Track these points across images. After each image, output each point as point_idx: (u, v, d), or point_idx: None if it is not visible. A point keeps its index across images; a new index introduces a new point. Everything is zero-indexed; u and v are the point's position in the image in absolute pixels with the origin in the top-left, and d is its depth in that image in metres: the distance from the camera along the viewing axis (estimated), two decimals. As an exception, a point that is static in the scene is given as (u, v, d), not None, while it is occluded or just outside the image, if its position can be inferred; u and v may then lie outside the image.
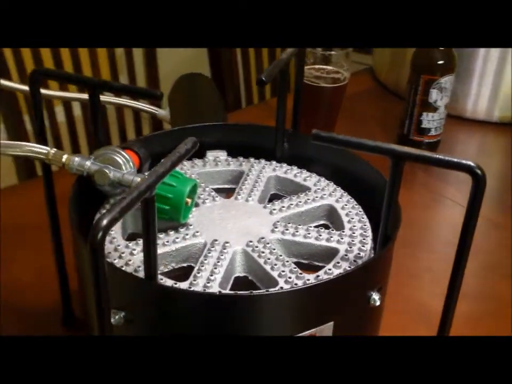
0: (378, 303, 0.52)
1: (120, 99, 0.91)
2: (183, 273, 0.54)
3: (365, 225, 0.58)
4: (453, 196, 0.96)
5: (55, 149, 0.58)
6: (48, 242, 0.67)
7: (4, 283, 0.76)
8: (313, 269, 0.55)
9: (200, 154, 0.67)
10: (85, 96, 0.61)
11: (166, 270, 0.55)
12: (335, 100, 0.94)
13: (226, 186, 0.66)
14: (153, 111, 0.90)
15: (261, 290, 0.52)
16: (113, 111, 1.34)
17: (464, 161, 0.47)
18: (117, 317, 0.49)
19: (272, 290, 0.49)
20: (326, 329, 0.50)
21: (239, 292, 0.50)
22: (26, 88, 0.72)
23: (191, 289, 0.50)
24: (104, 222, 0.40)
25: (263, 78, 0.59)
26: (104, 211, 0.44)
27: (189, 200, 0.56)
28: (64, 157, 0.58)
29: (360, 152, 0.52)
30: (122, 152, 0.58)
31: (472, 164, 0.47)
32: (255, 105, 1.43)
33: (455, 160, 0.48)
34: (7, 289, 0.75)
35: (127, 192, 0.43)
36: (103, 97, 0.85)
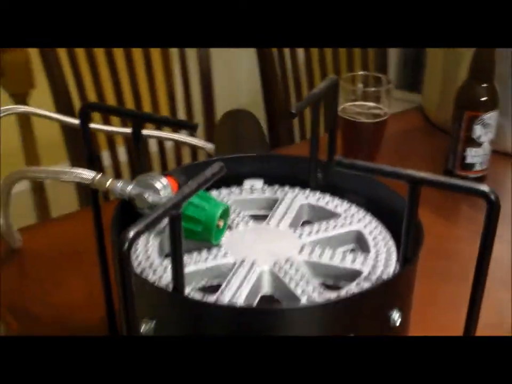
0: (398, 323, 0.53)
1: (171, 134, 0.96)
2: (213, 291, 0.58)
3: (390, 248, 0.60)
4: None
5: (100, 175, 0.63)
6: (97, 266, 0.72)
7: (56, 304, 0.81)
8: (337, 290, 0.58)
9: (238, 183, 0.71)
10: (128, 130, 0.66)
11: (198, 286, 0.58)
12: (376, 135, 0.96)
13: (260, 213, 0.69)
14: (201, 145, 0.95)
15: (280, 306, 0.55)
16: (155, 144, 1.40)
17: (478, 187, 0.49)
18: (147, 326, 0.52)
19: (290, 306, 0.52)
20: (345, 346, 0.52)
21: (258, 306, 0.53)
22: (74, 121, 0.78)
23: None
24: (131, 234, 0.44)
25: (293, 111, 0.62)
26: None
27: (221, 223, 0.60)
28: (108, 182, 0.63)
29: (386, 180, 0.55)
30: (162, 178, 0.62)
31: (485, 189, 0.49)
32: (307, 139, 1.47)
33: (470, 185, 0.50)
34: (59, 310, 0.80)
35: (154, 209, 0.47)
36: (156, 133, 0.91)
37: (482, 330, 0.77)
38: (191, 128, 0.59)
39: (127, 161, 1.40)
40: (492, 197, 0.48)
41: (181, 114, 1.73)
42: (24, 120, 1.55)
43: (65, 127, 1.32)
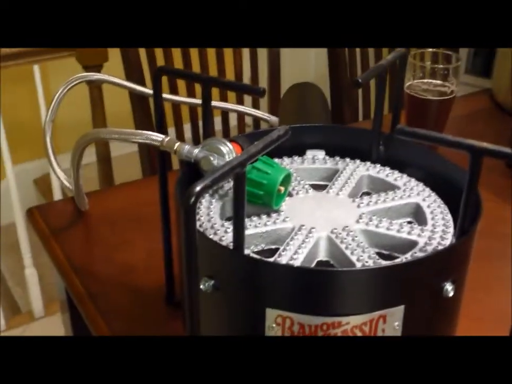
0: (451, 294, 0.54)
1: (237, 106, 0.98)
2: (271, 255, 0.59)
3: (447, 222, 0.60)
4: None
5: (169, 137, 0.66)
6: (159, 231, 0.75)
7: (118, 264, 0.85)
8: (393, 259, 0.59)
9: (300, 153, 0.72)
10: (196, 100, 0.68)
11: (256, 249, 0.60)
12: (441, 113, 0.95)
13: (321, 182, 0.70)
14: (266, 117, 0.97)
15: (335, 268, 0.56)
16: (219, 122, 1.42)
17: (541, 159, 0.49)
18: (206, 284, 0.54)
19: (346, 268, 0.53)
20: (397, 313, 0.53)
21: (317, 267, 0.54)
22: (145, 90, 0.81)
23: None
24: (197, 188, 0.46)
25: (359, 80, 0.63)
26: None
27: (282, 188, 0.62)
28: (176, 145, 0.65)
29: (446, 150, 0.55)
30: (228, 143, 0.64)
31: (549, 162, 0.48)
32: (371, 119, 1.47)
33: (532, 157, 0.50)
34: (121, 270, 0.84)
35: (221, 166, 0.49)
36: (223, 105, 0.93)
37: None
38: (257, 93, 0.61)
39: (192, 139, 1.43)
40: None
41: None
42: (96, 92, 1.60)
43: (134, 99, 1.36)
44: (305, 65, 2.63)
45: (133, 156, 1.62)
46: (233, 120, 1.47)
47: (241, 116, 1.47)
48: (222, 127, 1.46)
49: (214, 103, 0.87)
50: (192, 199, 0.45)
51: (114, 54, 1.39)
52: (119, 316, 0.77)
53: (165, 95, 0.82)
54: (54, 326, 1.73)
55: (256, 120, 1.44)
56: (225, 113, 1.45)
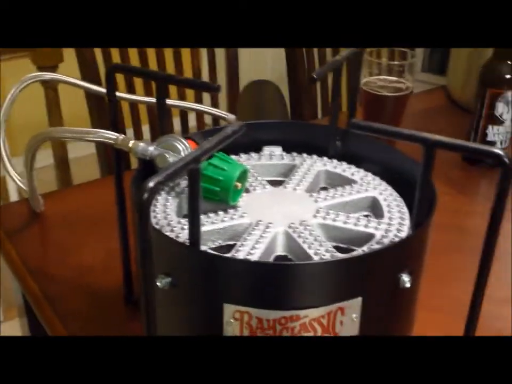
0: (408, 285, 0.54)
1: (196, 105, 0.98)
2: (229, 251, 0.59)
3: (403, 215, 0.61)
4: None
5: (123, 136, 0.65)
6: (116, 230, 0.74)
7: (75, 266, 0.83)
8: (351, 253, 0.59)
9: (258, 150, 0.72)
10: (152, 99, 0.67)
11: (214, 246, 0.59)
12: (397, 108, 0.96)
13: (279, 178, 0.70)
14: (223, 115, 0.96)
15: (291, 262, 0.56)
16: (178, 123, 1.42)
17: (491, 149, 0.49)
18: (163, 281, 0.54)
19: (302, 262, 0.53)
20: (355, 305, 0.53)
21: (273, 261, 0.54)
22: (100, 89, 0.80)
23: (231, 259, 0.54)
24: (151, 184, 0.45)
25: (315, 76, 0.63)
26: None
27: (239, 184, 0.61)
28: (131, 142, 0.64)
29: (404, 146, 0.55)
30: (183, 140, 0.64)
31: (500, 152, 0.49)
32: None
33: (483, 148, 0.51)
34: (78, 271, 0.82)
35: (175, 162, 0.48)
36: (178, 103, 0.92)
37: (494, 303, 0.78)
38: (213, 90, 0.60)
39: (151, 140, 1.42)
40: (505, 159, 0.48)
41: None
42: (51, 94, 1.57)
43: (90, 101, 1.34)
44: (263, 64, 2.63)
45: (91, 157, 1.60)
46: (192, 121, 1.46)
47: (200, 116, 1.47)
48: (181, 127, 1.45)
49: (170, 101, 0.87)
50: (146, 195, 0.45)
51: (70, 54, 1.37)
52: (77, 318, 0.76)
53: (119, 94, 0.82)
54: (13, 331, 1.70)
55: (215, 119, 1.44)
56: (184, 114, 1.44)
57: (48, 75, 0.92)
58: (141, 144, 0.63)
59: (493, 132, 1.01)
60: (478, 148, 0.51)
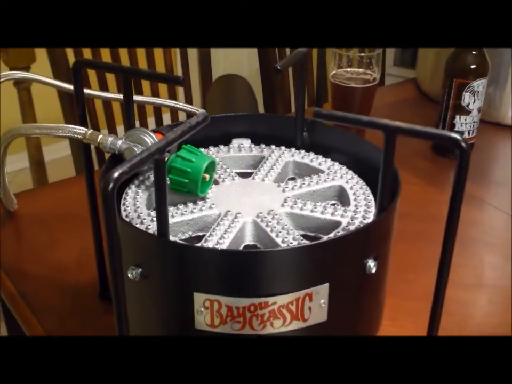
0: (373, 270, 0.55)
1: (163, 100, 0.98)
2: (199, 242, 0.60)
3: (369, 202, 0.62)
4: (483, 196, 0.99)
5: (92, 130, 0.65)
6: (90, 227, 0.74)
7: (50, 264, 0.84)
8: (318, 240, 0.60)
9: (226, 142, 0.73)
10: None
11: (184, 237, 0.60)
12: (365, 100, 0.98)
13: (248, 170, 0.71)
14: (194, 110, 0.97)
15: (258, 249, 0.57)
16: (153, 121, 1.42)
17: (449, 134, 0.51)
18: (134, 272, 0.54)
19: (269, 249, 0.54)
20: (322, 291, 0.54)
21: (239, 249, 0.55)
22: (70, 86, 0.80)
23: (200, 249, 0.55)
24: (115, 174, 0.46)
25: (278, 67, 0.64)
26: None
27: (207, 176, 0.62)
28: (99, 137, 0.65)
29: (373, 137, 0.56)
30: (151, 134, 0.65)
31: (458, 136, 0.50)
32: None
33: (441, 133, 0.52)
34: (52, 269, 0.83)
35: (139, 152, 0.49)
36: (146, 99, 0.93)
37: (460, 288, 0.79)
38: (175, 81, 0.61)
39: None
40: (462, 143, 0.49)
41: (180, 90, 1.75)
42: (24, 95, 1.57)
43: (63, 101, 1.34)
44: (238, 59, 2.64)
45: (68, 159, 1.60)
46: (167, 120, 1.47)
47: (174, 114, 1.47)
48: (155, 126, 1.45)
49: (140, 97, 0.87)
50: (111, 185, 0.45)
51: (42, 55, 1.37)
52: (53, 315, 0.76)
53: (88, 91, 0.82)
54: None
55: (190, 116, 1.44)
56: (158, 113, 1.44)
57: (19, 74, 0.92)
58: (110, 138, 0.64)
59: (461, 122, 1.03)
60: (436, 133, 0.52)
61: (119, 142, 0.64)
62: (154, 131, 0.66)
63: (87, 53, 1.31)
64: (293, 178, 0.70)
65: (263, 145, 0.72)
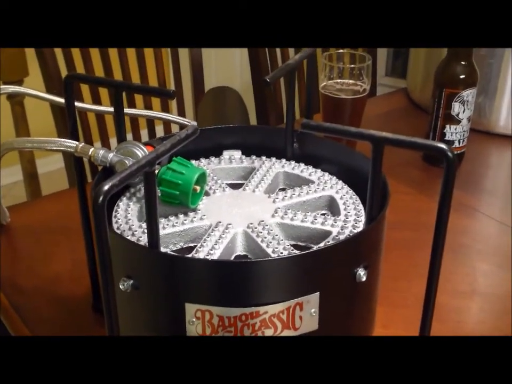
0: (364, 279, 0.56)
1: (154, 112, 0.99)
2: (189, 252, 0.60)
3: (359, 211, 0.63)
4: (475, 204, 0.99)
5: (83, 143, 0.66)
6: (82, 240, 0.74)
7: (42, 276, 0.84)
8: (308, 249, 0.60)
9: (217, 154, 0.74)
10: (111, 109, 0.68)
11: (175, 248, 0.61)
12: (355, 111, 0.99)
13: (239, 181, 0.72)
14: (186, 122, 0.97)
15: (248, 259, 0.58)
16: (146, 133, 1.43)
17: (436, 144, 0.51)
18: (125, 283, 0.55)
19: (259, 259, 0.55)
20: (313, 300, 0.54)
21: (230, 260, 0.55)
22: (62, 100, 0.80)
23: (191, 260, 0.55)
24: (105, 187, 0.46)
25: (267, 79, 0.65)
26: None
27: (198, 188, 0.63)
28: (91, 150, 0.65)
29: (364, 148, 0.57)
30: (142, 146, 0.65)
31: (444, 146, 0.51)
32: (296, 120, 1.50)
33: (429, 143, 0.53)
34: (45, 282, 0.83)
35: (129, 165, 0.49)
36: (138, 111, 0.93)
37: (453, 296, 0.80)
38: (167, 95, 0.62)
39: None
40: (449, 153, 0.50)
41: (172, 102, 1.75)
42: (17, 109, 1.57)
43: (56, 114, 1.35)
44: (231, 72, 2.66)
45: (61, 172, 1.60)
46: (160, 132, 1.48)
47: (167, 127, 1.48)
48: (148, 138, 1.46)
49: (131, 110, 0.88)
50: (101, 198, 0.46)
51: (35, 69, 1.38)
52: (45, 327, 0.76)
53: (79, 104, 0.82)
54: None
55: (182, 128, 1.45)
56: (151, 126, 1.45)
57: (11, 88, 0.93)
58: (101, 151, 0.65)
59: (451, 131, 1.03)
60: (423, 144, 0.52)
61: (110, 155, 0.64)
62: (145, 144, 0.66)
63: (78, 63, 1.31)
64: (283, 189, 0.70)
65: (253, 157, 0.73)
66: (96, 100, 1.35)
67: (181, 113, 1.43)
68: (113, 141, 1.39)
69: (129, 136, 0.68)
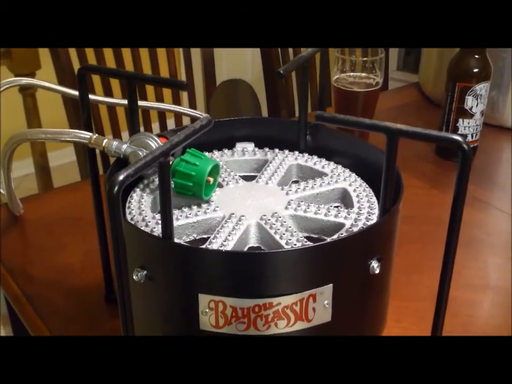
0: (377, 271, 0.56)
1: (167, 105, 0.99)
2: (202, 244, 0.60)
3: (372, 204, 0.63)
4: (487, 198, 0.99)
5: (97, 135, 0.66)
6: (95, 231, 0.75)
7: (55, 267, 0.84)
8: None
9: (230, 146, 0.74)
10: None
11: (188, 239, 0.61)
12: (368, 104, 0.98)
13: (252, 174, 0.72)
14: (198, 115, 0.97)
15: (262, 250, 0.58)
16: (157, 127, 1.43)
17: (451, 136, 0.51)
18: (139, 274, 0.55)
19: (273, 250, 0.55)
20: (326, 291, 0.54)
21: (244, 251, 0.55)
22: (75, 92, 0.80)
23: (205, 251, 0.55)
24: (120, 177, 0.46)
25: (281, 72, 0.65)
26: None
27: (211, 179, 0.63)
28: (104, 141, 0.65)
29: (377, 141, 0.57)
30: (155, 138, 0.65)
31: (460, 139, 0.51)
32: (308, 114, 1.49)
33: (444, 135, 0.52)
34: (58, 273, 0.83)
35: (144, 155, 0.49)
36: (150, 104, 0.94)
37: (465, 290, 0.80)
38: (179, 86, 0.62)
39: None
40: (464, 145, 0.50)
41: (184, 95, 1.76)
42: (29, 101, 1.58)
43: (68, 107, 1.35)
44: (242, 64, 2.65)
45: (73, 164, 1.61)
46: (171, 125, 1.48)
47: (179, 120, 1.48)
48: (160, 131, 1.46)
49: (143, 102, 0.88)
50: (116, 188, 0.46)
51: (47, 61, 1.38)
52: (58, 317, 0.77)
53: (92, 96, 0.83)
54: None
55: (194, 121, 1.45)
56: (163, 119, 1.45)
57: (24, 80, 0.93)
58: (115, 142, 0.65)
59: (464, 125, 1.03)
60: (438, 135, 0.52)
61: (124, 146, 0.64)
62: (158, 135, 0.66)
63: (91, 56, 1.32)
64: (296, 181, 0.70)
65: (266, 149, 0.73)
66: (108, 91, 1.35)
67: (192, 106, 1.43)
68: (124, 135, 1.39)
69: (141, 130, 0.68)
